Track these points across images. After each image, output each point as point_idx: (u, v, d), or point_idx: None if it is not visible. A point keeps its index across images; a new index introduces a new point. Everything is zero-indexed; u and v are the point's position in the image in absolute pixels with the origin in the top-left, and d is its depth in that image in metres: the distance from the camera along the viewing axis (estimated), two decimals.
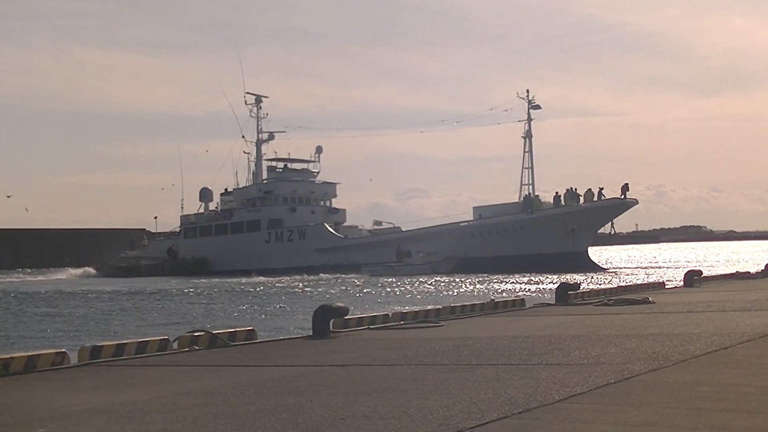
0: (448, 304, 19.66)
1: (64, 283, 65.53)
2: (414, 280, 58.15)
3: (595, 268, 69.00)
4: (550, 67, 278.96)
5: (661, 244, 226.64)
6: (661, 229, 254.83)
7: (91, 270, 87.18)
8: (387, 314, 16.55)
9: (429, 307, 18.47)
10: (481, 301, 20.00)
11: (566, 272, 58.90)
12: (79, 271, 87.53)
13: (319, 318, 14.23)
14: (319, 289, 49.74)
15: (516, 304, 20.32)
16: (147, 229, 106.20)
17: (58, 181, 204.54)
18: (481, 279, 55.74)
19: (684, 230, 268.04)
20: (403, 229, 79.67)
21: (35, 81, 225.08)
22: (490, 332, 14.02)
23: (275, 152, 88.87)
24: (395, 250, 72.50)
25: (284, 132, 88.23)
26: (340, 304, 15.03)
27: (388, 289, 48.07)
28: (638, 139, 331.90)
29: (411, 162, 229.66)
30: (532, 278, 55.03)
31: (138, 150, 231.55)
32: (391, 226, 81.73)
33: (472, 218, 75.04)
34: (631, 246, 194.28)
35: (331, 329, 14.37)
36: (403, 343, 12.79)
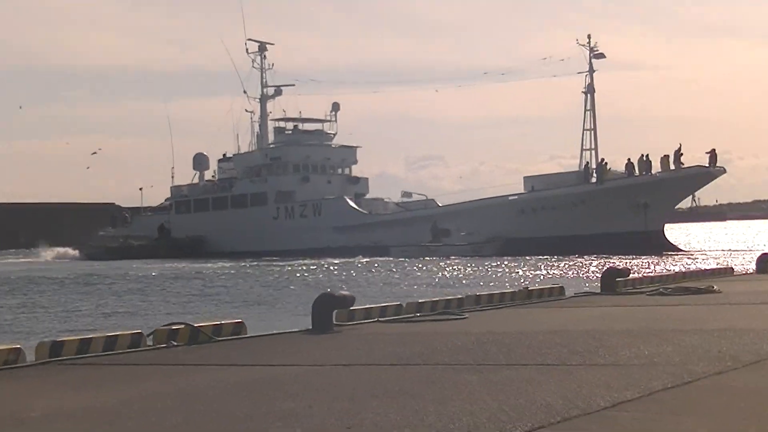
0: (473, 292, 19.67)
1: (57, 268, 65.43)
2: (450, 263, 57.62)
3: (674, 249, 67.37)
4: (587, 13, 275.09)
5: (728, 221, 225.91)
6: (729, 204, 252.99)
7: (70, 251, 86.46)
8: (400, 304, 16.55)
9: (449, 297, 18.43)
10: (512, 290, 20.00)
11: (637, 254, 57.84)
12: (53, 251, 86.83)
13: (319, 308, 14.24)
14: (321, 276, 49.80)
15: (554, 293, 20.28)
16: (116, 203, 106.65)
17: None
18: (530, 263, 55.25)
19: (757, 205, 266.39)
20: (439, 203, 78.67)
21: None
22: (522, 326, 14.02)
23: (284, 111, 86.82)
24: (430, 228, 71.30)
25: (293, 86, 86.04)
26: (345, 293, 15.03)
27: (414, 275, 48.11)
28: (696, 96, 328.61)
29: (424, 125, 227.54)
30: (592, 262, 54.47)
31: (99, 110, 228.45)
32: (424, 198, 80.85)
33: (521, 191, 73.08)
34: (691, 224, 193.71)
35: (334, 322, 14.42)
36: (418, 338, 12.81)
